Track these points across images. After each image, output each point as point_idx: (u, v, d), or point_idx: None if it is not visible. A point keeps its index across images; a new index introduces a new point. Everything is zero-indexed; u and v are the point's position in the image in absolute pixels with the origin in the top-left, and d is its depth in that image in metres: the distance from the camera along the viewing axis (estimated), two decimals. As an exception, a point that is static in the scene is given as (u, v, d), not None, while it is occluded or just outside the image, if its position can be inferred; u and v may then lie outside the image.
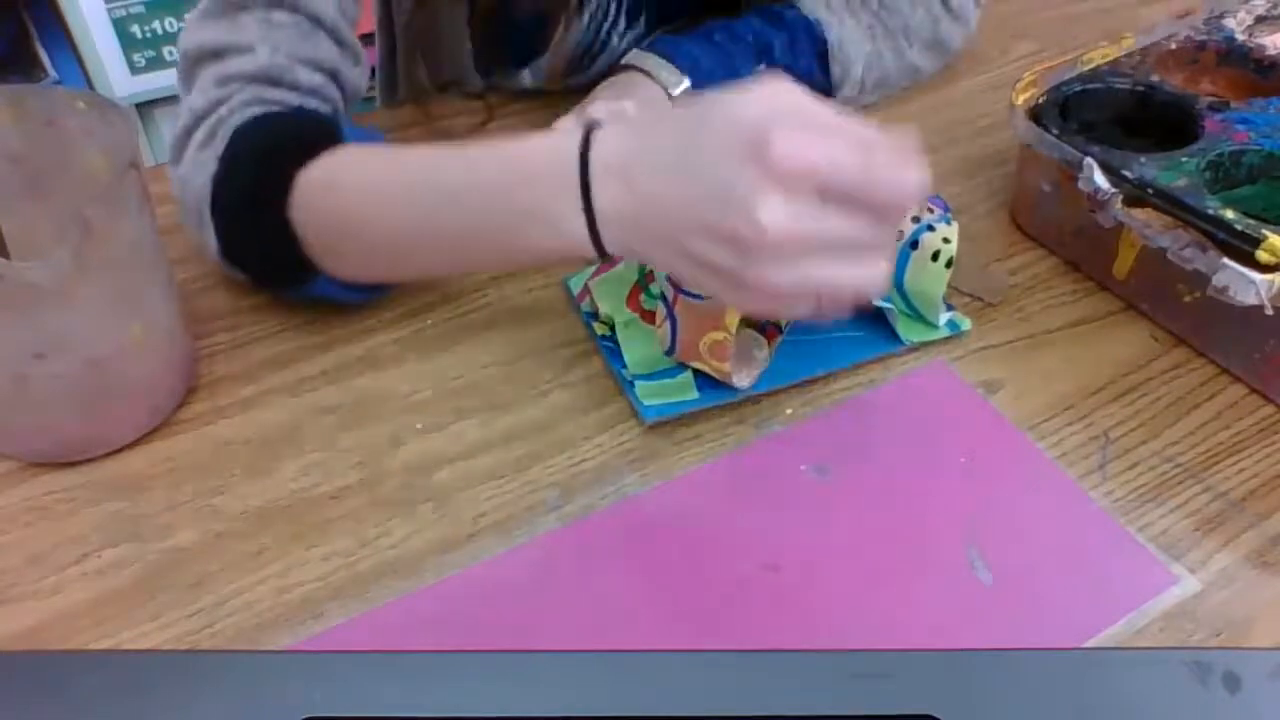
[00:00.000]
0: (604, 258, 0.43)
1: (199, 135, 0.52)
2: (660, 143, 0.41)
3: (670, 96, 0.64)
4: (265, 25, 0.52)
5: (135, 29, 1.40)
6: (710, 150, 0.38)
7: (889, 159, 0.37)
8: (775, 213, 0.36)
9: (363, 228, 0.49)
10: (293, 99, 0.53)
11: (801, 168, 0.36)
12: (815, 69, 0.69)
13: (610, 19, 0.73)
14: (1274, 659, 0.34)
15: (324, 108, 0.55)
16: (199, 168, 0.51)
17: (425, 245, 0.49)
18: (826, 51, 0.69)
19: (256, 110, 0.51)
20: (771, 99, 0.38)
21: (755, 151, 0.36)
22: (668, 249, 0.41)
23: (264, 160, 0.49)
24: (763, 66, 0.67)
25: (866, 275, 0.39)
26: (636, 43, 0.75)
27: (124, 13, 1.38)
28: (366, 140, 0.53)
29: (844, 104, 0.72)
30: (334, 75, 0.56)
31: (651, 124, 0.45)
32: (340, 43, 0.56)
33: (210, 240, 0.52)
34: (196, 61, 0.53)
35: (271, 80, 0.52)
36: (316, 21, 0.54)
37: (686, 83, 0.64)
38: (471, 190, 0.46)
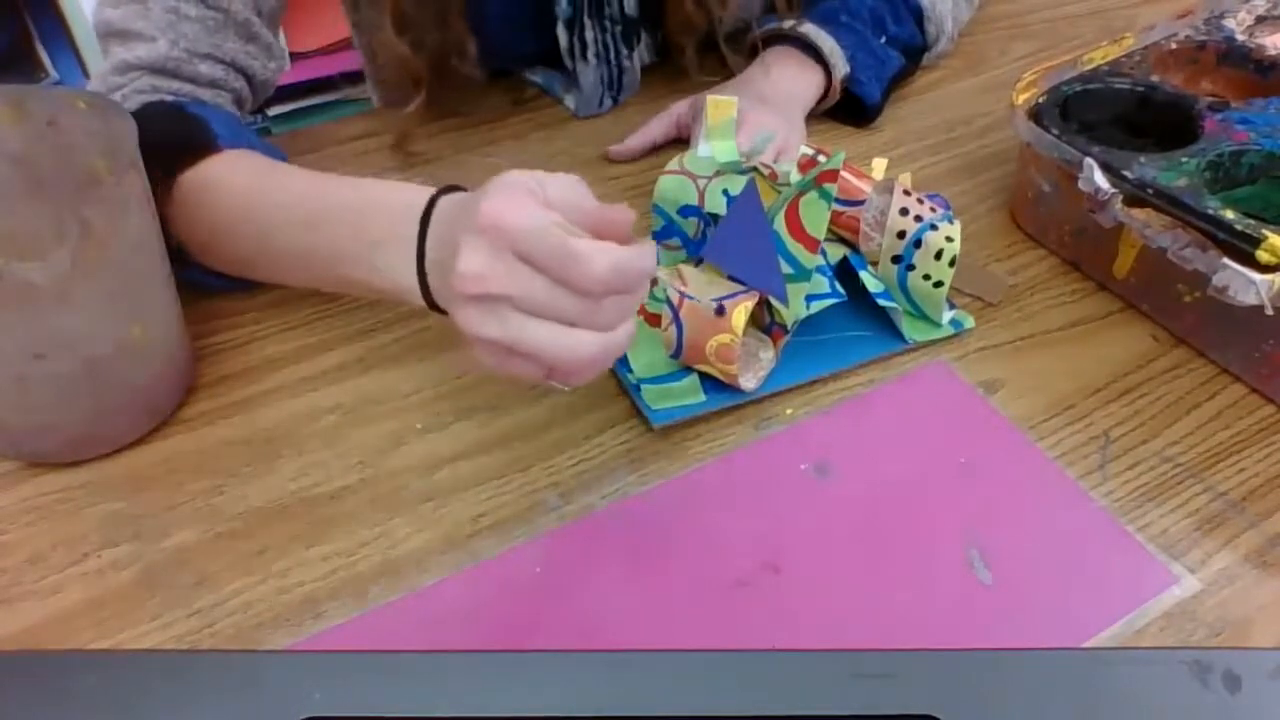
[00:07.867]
0: (432, 307, 0.45)
1: None
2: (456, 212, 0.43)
3: (830, 77, 0.71)
4: (172, 15, 0.54)
5: (135, 29, 1.40)
6: (464, 216, 0.40)
7: (590, 247, 0.37)
8: (470, 260, 0.38)
9: (227, 235, 0.52)
10: (188, 90, 0.55)
11: (498, 224, 0.37)
12: (916, 33, 0.77)
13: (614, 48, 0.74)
14: (1274, 659, 0.34)
15: (221, 99, 0.57)
16: None
17: (279, 262, 0.52)
18: (923, 16, 0.77)
19: (148, 97, 0.54)
20: (516, 176, 0.39)
21: (473, 210, 0.38)
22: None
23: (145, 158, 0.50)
24: (883, 39, 0.75)
25: (572, 347, 0.38)
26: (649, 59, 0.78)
27: (124, 13, 1.38)
28: (265, 153, 0.54)
29: (936, 58, 0.82)
30: (238, 69, 0.57)
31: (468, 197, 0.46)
32: (250, 38, 0.58)
33: None
34: (105, 36, 0.56)
35: (169, 72, 0.55)
36: (225, 15, 0.56)
37: (847, 68, 0.71)
38: (326, 218, 0.48)
